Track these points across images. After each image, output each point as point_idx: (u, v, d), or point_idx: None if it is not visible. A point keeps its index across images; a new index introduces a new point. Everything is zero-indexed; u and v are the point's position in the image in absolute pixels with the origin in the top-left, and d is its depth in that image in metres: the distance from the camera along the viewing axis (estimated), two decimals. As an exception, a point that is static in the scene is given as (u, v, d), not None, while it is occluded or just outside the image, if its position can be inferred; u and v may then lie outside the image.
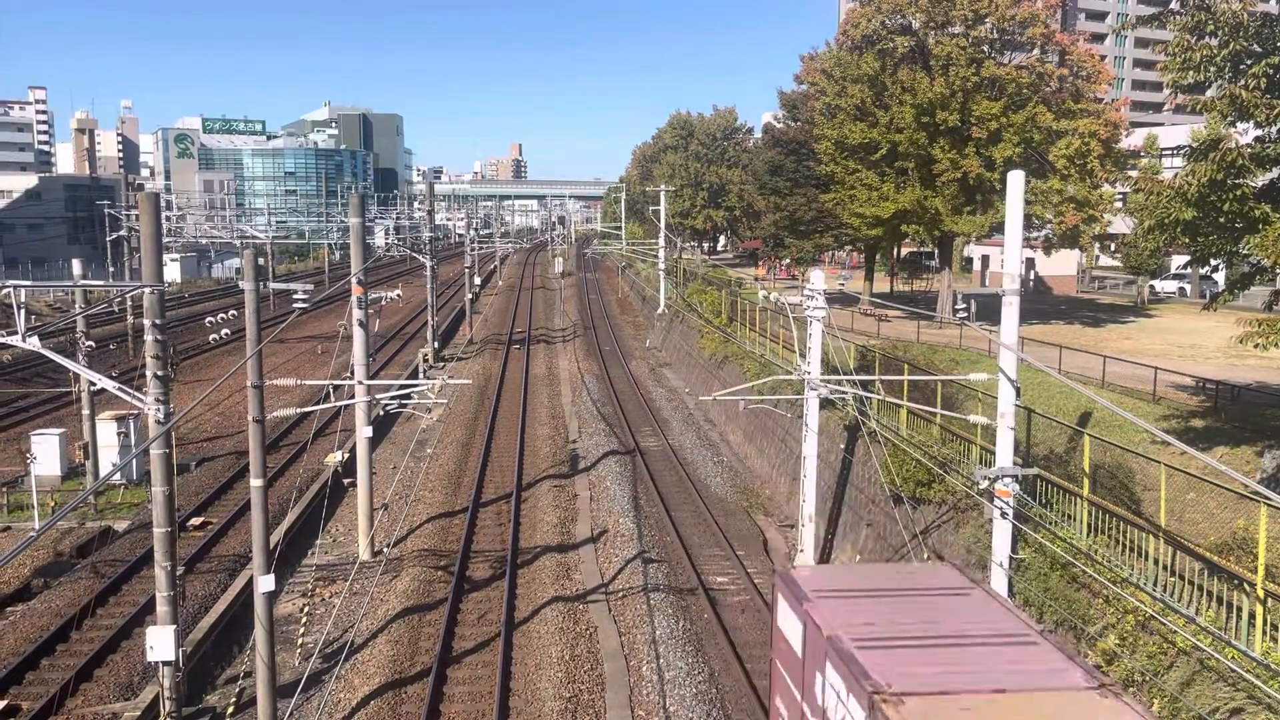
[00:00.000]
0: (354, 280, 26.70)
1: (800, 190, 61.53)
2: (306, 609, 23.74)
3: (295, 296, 20.68)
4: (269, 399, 19.95)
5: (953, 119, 42.80)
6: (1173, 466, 16.28)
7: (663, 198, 79.21)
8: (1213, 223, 19.03)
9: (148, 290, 16.94)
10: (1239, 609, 14.02)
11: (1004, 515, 17.60)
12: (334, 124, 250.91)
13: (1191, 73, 18.46)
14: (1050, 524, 18.42)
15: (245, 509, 28.68)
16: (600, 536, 28.40)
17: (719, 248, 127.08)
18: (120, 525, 28.95)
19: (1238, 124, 19.25)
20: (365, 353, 27.15)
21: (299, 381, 27.79)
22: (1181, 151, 20.34)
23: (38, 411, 42.82)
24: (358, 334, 26.99)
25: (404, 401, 30.10)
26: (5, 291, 18.30)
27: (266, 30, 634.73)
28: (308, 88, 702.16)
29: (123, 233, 75.10)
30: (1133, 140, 49.75)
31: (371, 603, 23.91)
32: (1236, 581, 14.32)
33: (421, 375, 49.73)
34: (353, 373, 27.14)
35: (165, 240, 73.29)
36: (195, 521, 28.86)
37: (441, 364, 56.80)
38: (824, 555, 27.61)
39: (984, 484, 17.81)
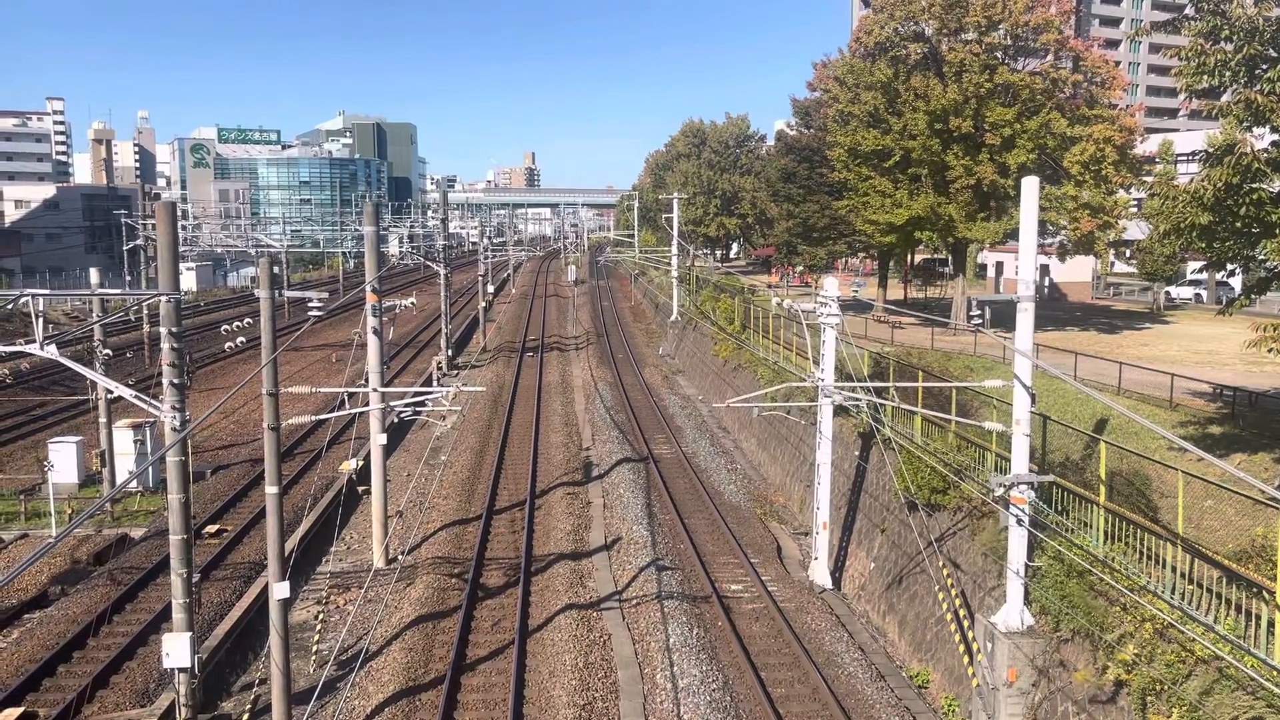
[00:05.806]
0: (369, 288, 26.82)
1: (813, 197, 61.56)
2: (321, 616, 23.81)
3: (310, 305, 20.77)
4: (284, 406, 20.04)
5: (966, 125, 42.72)
6: (1190, 473, 16.17)
7: (675, 205, 79.22)
8: (1229, 227, 18.93)
9: (164, 299, 17.08)
10: (1258, 617, 13.91)
11: (1020, 523, 17.53)
12: (348, 133, 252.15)
13: (1206, 77, 18.36)
14: (1067, 531, 18.33)
15: (260, 516, 28.85)
16: (614, 544, 28.38)
17: (732, 255, 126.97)
18: (137, 532, 29.12)
19: (1253, 128, 19.14)
20: (380, 360, 27.24)
21: (314, 389, 27.92)
22: (1197, 157, 20.24)
23: (55, 419, 43.13)
24: (372, 341, 27.09)
25: (418, 409, 30.15)
26: (24, 300, 18.47)
27: (281, 41, 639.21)
28: (322, 98, 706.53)
29: (139, 242, 75.57)
30: (1148, 146, 49.38)
31: (386, 610, 23.96)
32: (1256, 589, 14.21)
33: (436, 383, 49.89)
34: (367, 380, 27.23)
35: (181, 249, 73.86)
36: (211, 529, 28.98)
37: (456, 371, 56.92)
38: (838, 563, 27.52)
39: (999, 491, 17.72)
